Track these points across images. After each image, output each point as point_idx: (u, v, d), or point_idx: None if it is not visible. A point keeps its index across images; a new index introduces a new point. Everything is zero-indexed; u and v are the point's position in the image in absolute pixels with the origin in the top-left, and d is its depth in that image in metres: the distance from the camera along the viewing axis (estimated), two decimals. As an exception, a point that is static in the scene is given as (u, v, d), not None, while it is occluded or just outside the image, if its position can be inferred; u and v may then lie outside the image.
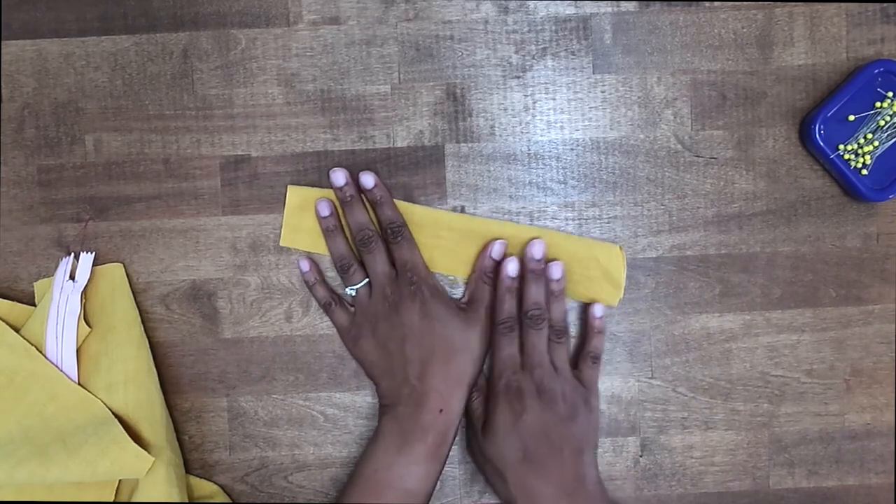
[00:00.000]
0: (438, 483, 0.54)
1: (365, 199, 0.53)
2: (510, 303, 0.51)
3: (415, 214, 0.53)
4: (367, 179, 0.51)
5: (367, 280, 0.52)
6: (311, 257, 0.54)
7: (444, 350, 0.50)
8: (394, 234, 0.51)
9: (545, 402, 0.48)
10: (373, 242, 0.51)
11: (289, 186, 0.53)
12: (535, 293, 0.50)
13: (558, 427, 0.48)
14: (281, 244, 0.54)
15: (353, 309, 0.53)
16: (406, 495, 0.48)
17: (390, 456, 0.48)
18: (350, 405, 0.54)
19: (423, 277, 0.51)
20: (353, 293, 0.52)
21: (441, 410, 0.49)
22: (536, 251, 0.51)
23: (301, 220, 0.53)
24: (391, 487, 0.48)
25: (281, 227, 0.54)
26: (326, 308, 0.53)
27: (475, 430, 0.51)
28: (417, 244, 0.52)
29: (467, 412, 0.52)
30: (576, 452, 0.48)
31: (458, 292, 0.54)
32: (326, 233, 0.52)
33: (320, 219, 0.52)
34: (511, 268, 0.51)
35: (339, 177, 0.52)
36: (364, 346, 0.52)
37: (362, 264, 0.52)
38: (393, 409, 0.50)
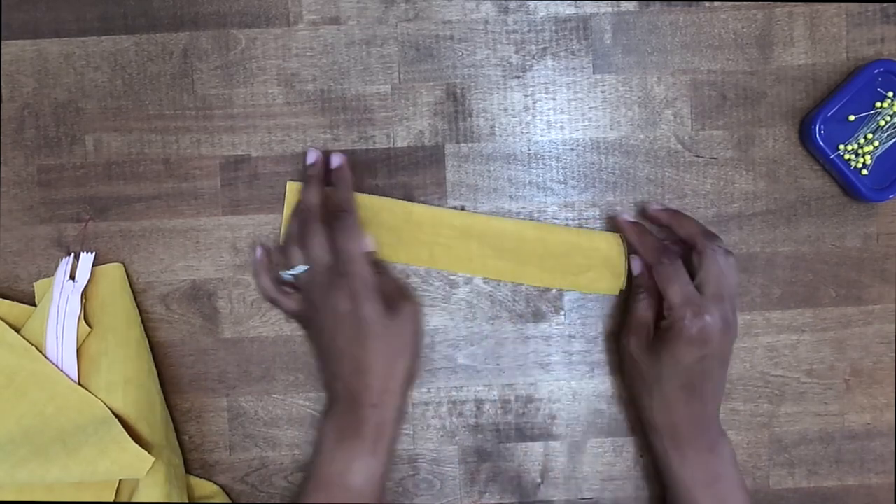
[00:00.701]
0: (438, 482, 0.54)
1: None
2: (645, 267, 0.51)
3: (414, 212, 0.53)
4: (335, 159, 0.51)
5: (305, 266, 0.50)
6: (266, 246, 0.53)
7: (374, 344, 0.48)
8: (336, 219, 0.49)
9: (727, 338, 0.48)
10: (311, 224, 0.49)
11: (288, 183, 0.53)
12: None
13: (723, 370, 0.50)
14: (281, 242, 0.54)
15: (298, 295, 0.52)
16: (349, 492, 0.47)
17: (329, 453, 0.48)
18: (350, 405, 0.54)
19: (355, 268, 0.48)
20: (291, 277, 0.50)
21: (374, 405, 0.48)
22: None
23: None
24: (333, 485, 0.47)
25: (281, 224, 0.54)
26: (273, 299, 0.52)
27: (637, 334, 0.50)
28: (415, 242, 0.52)
29: (628, 314, 0.51)
30: (721, 392, 0.50)
31: (458, 292, 0.54)
32: (292, 215, 0.51)
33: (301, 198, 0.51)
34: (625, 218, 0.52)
35: (311, 155, 0.52)
36: (308, 335, 0.51)
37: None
38: (330, 406, 0.49)
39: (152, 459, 0.48)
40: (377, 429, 0.48)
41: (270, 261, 0.53)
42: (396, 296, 0.49)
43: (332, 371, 0.49)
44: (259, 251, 0.52)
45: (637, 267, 0.52)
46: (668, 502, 0.51)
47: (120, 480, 0.50)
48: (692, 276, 0.49)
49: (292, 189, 0.53)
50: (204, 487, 0.53)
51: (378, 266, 0.51)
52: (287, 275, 0.50)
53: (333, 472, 0.47)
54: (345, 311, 0.47)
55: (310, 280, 0.49)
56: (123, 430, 0.48)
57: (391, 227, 0.53)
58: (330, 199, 0.51)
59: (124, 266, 0.53)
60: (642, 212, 0.54)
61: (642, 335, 0.50)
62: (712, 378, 0.49)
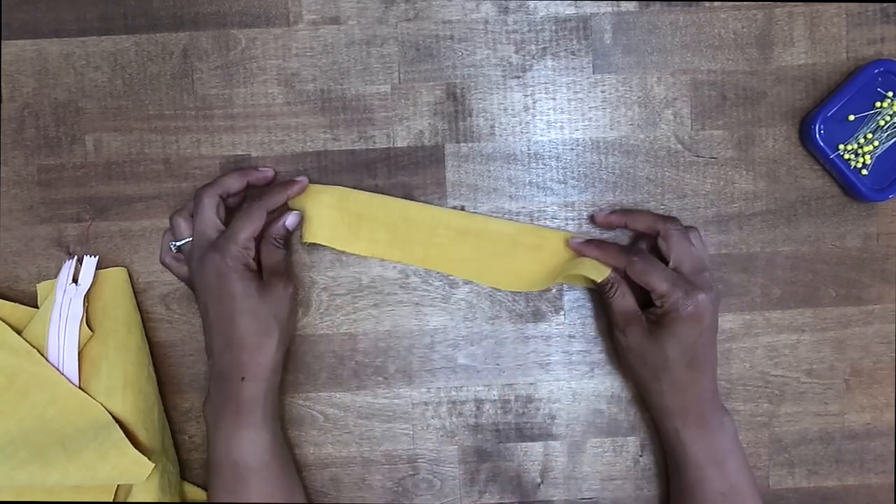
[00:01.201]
0: (438, 482, 0.54)
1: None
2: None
3: (411, 211, 0.53)
4: (295, 187, 0.51)
5: (189, 237, 0.50)
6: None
7: (242, 319, 0.48)
8: (245, 205, 0.50)
9: (716, 306, 0.49)
10: (205, 199, 0.49)
11: (310, 185, 0.52)
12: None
13: (715, 336, 0.50)
14: (304, 240, 0.53)
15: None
16: (236, 467, 0.47)
17: (212, 433, 0.48)
18: (350, 405, 0.55)
19: (229, 245, 0.48)
20: (175, 247, 0.51)
21: (243, 380, 0.48)
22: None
23: (321, 216, 0.53)
24: (221, 464, 0.48)
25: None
26: (166, 265, 0.52)
27: (630, 326, 0.50)
28: (410, 240, 0.52)
29: (611, 311, 0.51)
30: (716, 362, 0.51)
31: (458, 292, 0.54)
32: (198, 191, 0.51)
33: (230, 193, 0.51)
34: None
35: (267, 172, 0.52)
36: (198, 307, 0.51)
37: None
38: (209, 386, 0.50)
39: (152, 465, 0.48)
40: (250, 402, 0.48)
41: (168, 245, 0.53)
42: (274, 276, 0.50)
43: (209, 346, 0.50)
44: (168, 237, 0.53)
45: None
46: (676, 485, 0.51)
47: (118, 486, 0.50)
48: (664, 262, 0.50)
49: (314, 191, 0.53)
50: (198, 494, 0.53)
51: (273, 244, 0.50)
52: (173, 245, 0.51)
53: (220, 451, 0.48)
54: (214, 286, 0.48)
55: (190, 253, 0.50)
56: (124, 436, 0.48)
57: (388, 224, 0.53)
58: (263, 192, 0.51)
59: (127, 270, 0.53)
60: (591, 220, 0.54)
61: (636, 326, 0.50)
62: (711, 348, 0.50)
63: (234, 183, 0.51)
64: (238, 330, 0.48)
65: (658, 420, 0.52)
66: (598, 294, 0.54)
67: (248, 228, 0.49)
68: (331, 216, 0.53)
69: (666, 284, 0.48)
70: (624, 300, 0.50)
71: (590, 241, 0.52)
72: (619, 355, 0.53)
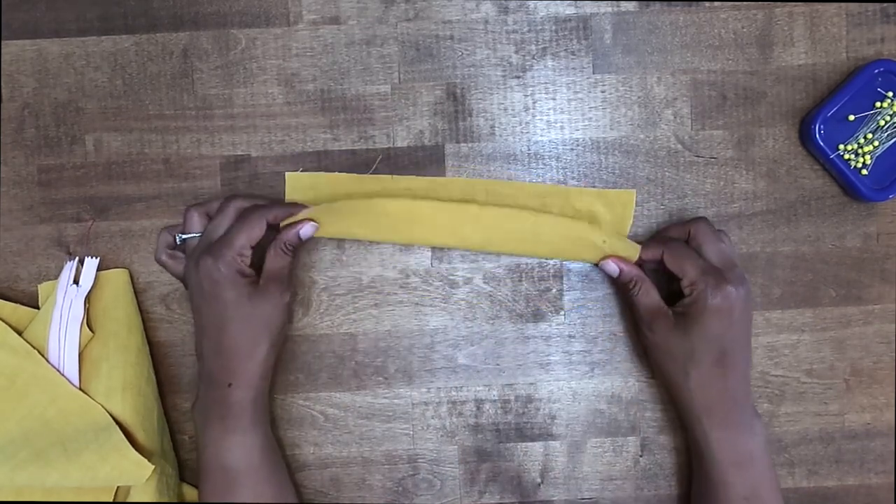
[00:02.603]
0: (438, 482, 0.54)
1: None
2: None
3: (444, 213, 0.52)
4: (307, 229, 0.50)
5: (198, 233, 0.50)
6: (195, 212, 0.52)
7: (232, 326, 0.48)
8: (248, 211, 0.49)
9: (748, 303, 0.49)
10: (232, 205, 0.49)
11: (287, 174, 0.53)
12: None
13: (749, 336, 0.50)
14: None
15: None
16: (226, 472, 0.47)
17: (201, 438, 0.48)
18: (350, 405, 0.55)
19: (225, 252, 0.47)
20: (178, 240, 0.51)
21: (230, 386, 0.48)
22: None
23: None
24: (211, 469, 0.48)
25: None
26: (161, 263, 0.52)
27: (656, 321, 0.50)
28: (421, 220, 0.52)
29: (636, 309, 0.50)
30: (750, 362, 0.51)
31: (458, 292, 0.54)
32: (228, 196, 0.51)
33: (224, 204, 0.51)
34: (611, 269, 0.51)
35: (309, 230, 0.51)
36: (191, 302, 0.50)
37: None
38: (197, 389, 0.50)
39: (152, 467, 0.48)
40: (238, 407, 0.48)
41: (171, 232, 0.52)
42: (273, 282, 0.49)
43: (199, 349, 0.50)
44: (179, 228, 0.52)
45: (613, 270, 0.51)
46: (699, 485, 0.51)
47: (117, 487, 0.50)
48: None
49: (292, 180, 0.53)
50: (196, 495, 0.53)
51: (283, 249, 0.50)
52: (179, 236, 0.51)
53: (209, 455, 0.48)
54: (206, 290, 0.48)
55: (192, 251, 0.50)
56: (124, 437, 0.48)
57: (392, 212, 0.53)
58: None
59: (129, 271, 0.53)
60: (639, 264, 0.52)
61: (661, 320, 0.49)
62: (741, 346, 0.49)
63: (279, 214, 0.50)
64: (228, 336, 0.48)
65: (684, 419, 0.51)
66: (600, 294, 0.54)
67: (245, 235, 0.48)
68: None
69: (697, 271, 0.48)
70: (648, 296, 0.50)
71: (620, 258, 0.51)
72: (647, 354, 0.53)
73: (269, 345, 0.49)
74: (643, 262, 0.51)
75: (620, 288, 0.52)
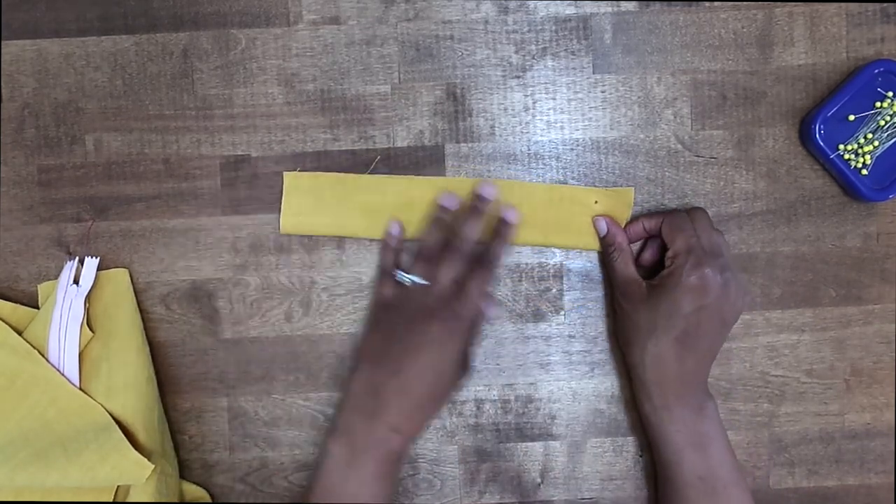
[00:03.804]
0: (438, 482, 0.54)
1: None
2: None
3: (438, 189, 0.53)
4: (511, 215, 0.51)
5: (427, 282, 0.50)
6: (402, 224, 0.53)
7: (431, 380, 0.48)
8: (482, 266, 0.50)
9: (727, 296, 0.49)
10: (458, 254, 0.50)
11: (285, 174, 0.53)
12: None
13: (721, 328, 0.49)
14: (281, 232, 0.53)
15: (399, 291, 0.52)
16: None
17: (341, 472, 0.47)
18: (350, 405, 0.54)
19: (469, 315, 0.49)
20: (406, 280, 0.50)
21: (394, 429, 0.48)
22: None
23: (300, 205, 0.53)
24: (334, 496, 0.47)
25: (279, 214, 0.53)
26: (383, 273, 0.52)
27: (629, 288, 0.50)
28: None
29: (613, 275, 0.52)
30: (714, 353, 0.50)
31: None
32: (435, 220, 0.51)
33: (441, 206, 0.52)
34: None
35: (487, 190, 0.52)
36: (378, 328, 0.51)
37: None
38: (346, 420, 0.48)
39: (152, 466, 0.48)
40: (391, 455, 0.48)
41: (400, 241, 0.53)
42: (469, 355, 0.52)
43: (366, 370, 0.49)
44: (397, 227, 0.53)
45: (603, 227, 0.53)
46: (658, 466, 0.51)
47: (117, 487, 0.50)
48: None
49: (290, 179, 0.53)
50: (197, 493, 0.53)
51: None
52: (405, 278, 0.50)
53: (346, 494, 0.47)
54: (434, 338, 0.48)
55: (419, 292, 0.50)
56: (124, 437, 0.48)
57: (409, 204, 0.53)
58: (487, 248, 0.51)
59: (129, 271, 0.53)
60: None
61: (634, 289, 0.50)
62: (707, 335, 0.49)
63: (473, 231, 0.51)
64: (416, 380, 0.48)
65: (637, 394, 0.51)
66: (600, 294, 0.54)
67: (485, 301, 0.50)
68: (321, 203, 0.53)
69: (684, 246, 0.49)
70: (626, 267, 0.51)
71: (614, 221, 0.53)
72: (616, 325, 0.54)
73: (439, 407, 0.51)
74: (643, 233, 0.53)
75: (603, 250, 0.53)
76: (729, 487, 0.48)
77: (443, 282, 0.49)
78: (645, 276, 0.52)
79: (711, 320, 0.49)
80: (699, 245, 0.49)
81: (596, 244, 0.54)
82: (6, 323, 0.51)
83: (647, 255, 0.53)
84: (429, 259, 0.50)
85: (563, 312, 0.55)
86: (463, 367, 0.50)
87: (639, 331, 0.50)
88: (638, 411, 0.52)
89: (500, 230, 0.52)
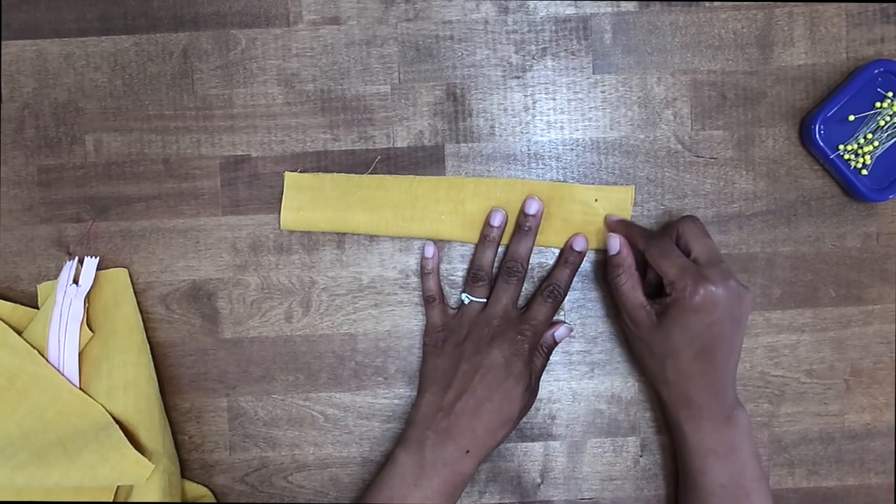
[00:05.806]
0: (438, 483, 0.54)
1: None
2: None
3: (440, 188, 0.53)
4: (580, 243, 0.53)
5: (486, 300, 0.52)
6: (437, 245, 0.53)
7: (500, 401, 0.49)
8: (552, 296, 0.51)
9: (734, 300, 0.48)
10: (516, 277, 0.51)
11: (286, 174, 0.53)
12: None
13: (736, 332, 0.48)
14: (281, 227, 0.53)
15: (452, 311, 0.53)
16: None
17: (407, 486, 0.48)
18: (350, 405, 0.55)
19: (534, 337, 0.50)
20: (467, 301, 0.52)
21: (468, 452, 0.48)
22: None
23: (300, 200, 0.53)
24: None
25: (279, 213, 0.53)
26: (429, 300, 0.53)
27: (636, 314, 0.50)
28: (435, 214, 0.53)
29: (618, 298, 0.51)
30: (736, 357, 0.49)
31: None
32: (485, 239, 0.52)
33: (491, 225, 0.52)
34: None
35: (534, 205, 0.52)
36: (441, 352, 0.52)
37: (493, 284, 0.53)
38: (418, 435, 0.49)
39: (152, 466, 0.48)
40: (459, 475, 0.48)
41: (437, 263, 0.54)
42: (536, 381, 0.52)
43: (435, 392, 0.50)
44: (431, 249, 0.53)
45: (615, 245, 0.51)
46: (682, 474, 0.51)
47: (117, 487, 0.50)
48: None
49: (291, 180, 0.53)
50: (199, 491, 0.53)
51: (541, 351, 0.53)
52: (467, 297, 0.52)
53: (395, 494, 0.48)
54: (500, 362, 0.49)
55: (477, 310, 0.52)
56: (124, 437, 0.48)
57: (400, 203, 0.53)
58: (554, 275, 0.53)
59: (129, 271, 0.53)
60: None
61: (642, 315, 0.49)
62: (725, 342, 0.48)
63: (528, 250, 0.52)
64: (490, 406, 0.49)
65: (665, 410, 0.51)
66: (600, 294, 0.54)
67: (548, 319, 0.52)
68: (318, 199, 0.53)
69: (676, 271, 0.47)
70: (634, 291, 0.50)
71: (622, 220, 0.53)
72: (628, 344, 0.54)
73: (508, 431, 0.50)
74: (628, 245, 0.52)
75: (610, 270, 0.52)
76: (751, 495, 0.48)
77: (503, 299, 0.51)
78: (650, 292, 0.51)
79: (725, 329, 0.48)
80: (691, 265, 0.48)
81: (597, 243, 0.53)
82: (6, 323, 0.51)
83: (651, 276, 0.52)
84: (485, 276, 0.52)
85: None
86: (530, 390, 0.51)
87: (654, 355, 0.49)
88: (666, 425, 0.53)
89: (568, 258, 0.53)
